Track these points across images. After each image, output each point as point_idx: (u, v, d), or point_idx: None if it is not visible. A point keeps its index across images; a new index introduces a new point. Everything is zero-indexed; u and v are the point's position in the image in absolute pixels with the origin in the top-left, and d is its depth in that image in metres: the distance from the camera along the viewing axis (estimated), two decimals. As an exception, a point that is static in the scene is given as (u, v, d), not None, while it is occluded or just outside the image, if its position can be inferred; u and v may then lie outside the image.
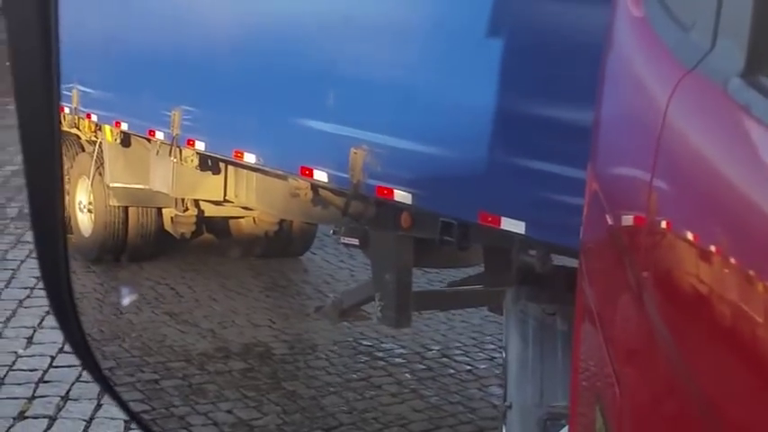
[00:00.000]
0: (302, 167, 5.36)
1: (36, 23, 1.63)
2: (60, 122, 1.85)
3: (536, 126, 3.95)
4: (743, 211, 0.93)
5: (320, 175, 5.21)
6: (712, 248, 0.99)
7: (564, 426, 2.61)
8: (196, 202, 7.99)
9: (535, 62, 3.96)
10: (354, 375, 6.41)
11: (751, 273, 0.87)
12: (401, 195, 4.61)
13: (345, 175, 4.90)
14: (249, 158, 5.96)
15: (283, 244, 8.94)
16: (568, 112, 3.68)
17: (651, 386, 1.17)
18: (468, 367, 6.66)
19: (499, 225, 4.02)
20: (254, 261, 9.29)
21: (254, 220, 8.69)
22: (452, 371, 6.56)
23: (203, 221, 8.48)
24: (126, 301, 7.75)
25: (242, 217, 8.65)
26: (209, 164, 7.16)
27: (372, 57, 4.87)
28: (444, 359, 6.80)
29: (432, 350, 6.97)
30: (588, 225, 1.84)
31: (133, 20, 7.34)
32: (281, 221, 8.38)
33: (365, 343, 7.09)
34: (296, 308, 7.91)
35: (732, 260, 0.93)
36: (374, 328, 7.37)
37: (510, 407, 3.80)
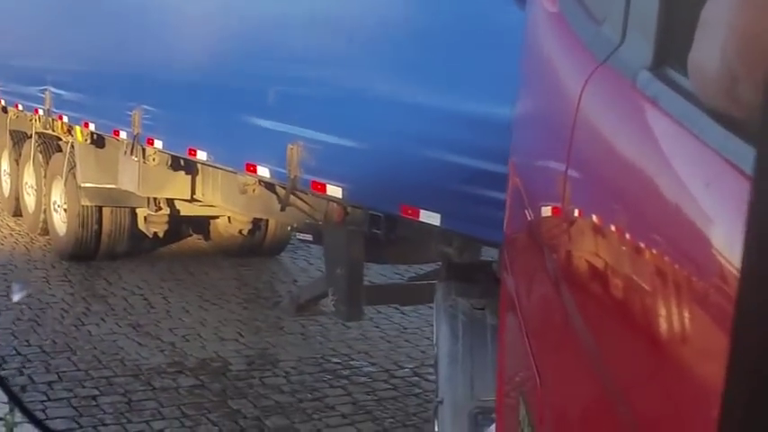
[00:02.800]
0: (247, 164, 5.64)
1: None
2: None
3: (449, 120, 4.01)
4: (653, 201, 0.95)
5: (263, 171, 5.49)
6: (625, 239, 1.02)
7: (494, 419, 2.49)
8: (169, 202, 8.18)
9: (452, 57, 4.03)
10: (309, 395, 6.13)
11: (663, 260, 0.90)
12: (332, 189, 4.83)
13: (284, 171, 5.14)
14: (201, 156, 6.28)
15: (258, 243, 9.16)
16: (481, 106, 3.76)
17: (569, 375, 1.21)
18: (438, 388, 6.32)
19: (418, 217, 4.17)
20: (242, 270, 9.14)
21: (229, 220, 8.82)
22: (419, 391, 6.23)
23: (180, 221, 8.70)
24: (90, 310, 7.57)
25: (217, 216, 8.77)
26: (180, 163, 7.34)
27: (305, 54, 5.08)
28: (415, 378, 6.48)
29: (404, 368, 6.66)
30: (509, 219, 1.90)
31: (99, 24, 7.70)
32: (256, 220, 8.47)
33: (333, 360, 6.82)
34: (272, 321, 7.67)
35: (644, 249, 0.95)
36: (348, 343, 7.14)
37: (441, 402, 3.81)
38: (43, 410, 5.57)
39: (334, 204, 5.25)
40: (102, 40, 7.67)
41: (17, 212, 10.19)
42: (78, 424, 5.51)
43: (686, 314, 0.85)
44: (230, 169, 6.38)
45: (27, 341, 6.76)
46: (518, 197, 1.73)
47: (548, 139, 1.51)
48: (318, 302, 5.98)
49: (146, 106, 7.00)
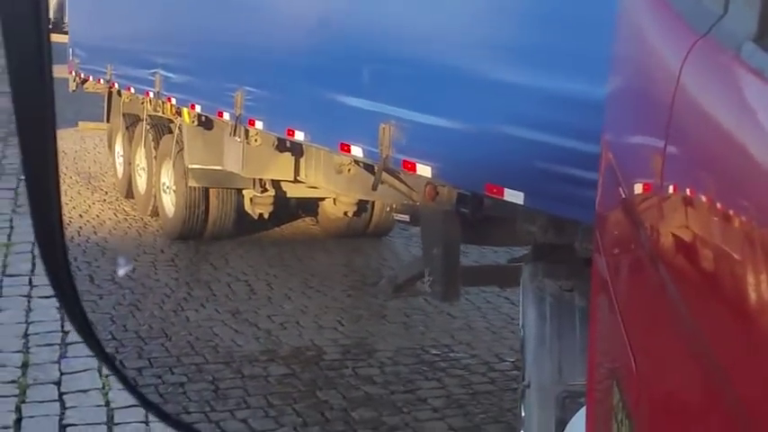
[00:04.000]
0: (341, 143, 5.72)
1: (29, 18, 1.61)
2: (54, 111, 1.75)
3: (535, 99, 4.01)
4: (756, 177, 0.93)
5: (356, 151, 5.54)
6: (726, 216, 0.99)
7: (583, 404, 2.47)
8: (275, 183, 8.31)
9: (545, 37, 3.99)
10: (401, 387, 5.92)
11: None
12: (422, 168, 4.87)
13: (376, 150, 5.19)
14: (299, 136, 6.37)
15: (365, 224, 9.27)
16: (568, 85, 3.76)
17: (667, 359, 1.19)
18: (540, 383, 6.01)
19: (503, 196, 4.17)
20: (352, 256, 9.04)
21: (334, 201, 8.86)
22: (517, 386, 5.92)
23: (287, 203, 8.84)
24: (192, 296, 7.57)
25: (323, 198, 8.84)
26: (286, 144, 7.35)
27: (398, 33, 5.14)
28: (514, 372, 6.16)
29: (505, 361, 6.38)
30: (602, 197, 1.87)
31: (204, 7, 7.96)
32: (362, 202, 8.46)
33: (432, 351, 6.60)
34: (375, 309, 7.50)
35: (748, 228, 0.93)
36: (451, 333, 6.91)
37: (528, 385, 3.78)
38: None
39: (428, 184, 5.23)
40: (207, 22, 7.87)
41: (129, 194, 10.51)
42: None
43: None
44: (326, 149, 6.46)
45: (124, 326, 6.79)
46: (612, 175, 1.70)
47: (645, 115, 1.48)
48: (416, 283, 5.87)
49: (247, 87, 7.08)
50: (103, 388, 5.52)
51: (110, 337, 6.55)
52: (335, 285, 8.08)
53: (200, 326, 6.90)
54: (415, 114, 4.93)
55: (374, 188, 5.63)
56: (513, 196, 4.11)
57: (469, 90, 4.47)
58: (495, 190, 4.23)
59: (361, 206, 8.87)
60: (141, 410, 5.02)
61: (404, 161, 5.02)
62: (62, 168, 12.17)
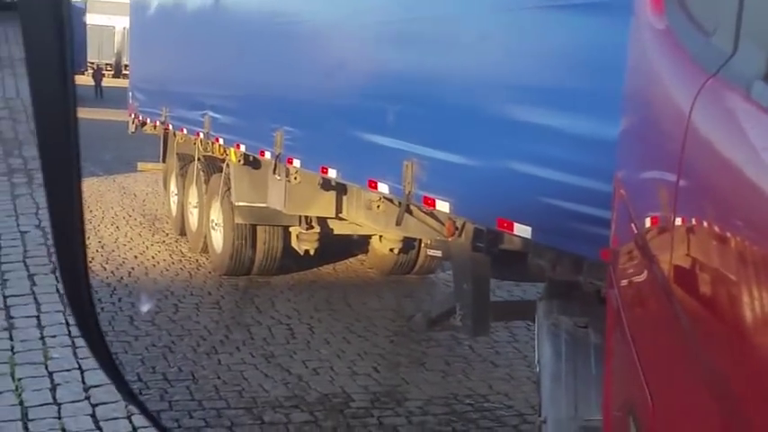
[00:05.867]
0: (369, 180, 5.97)
1: (52, 38, 1.64)
2: (77, 129, 1.78)
3: (547, 137, 4.12)
4: None
5: (382, 187, 5.78)
6: (740, 252, 1.01)
7: None
8: (321, 220, 8.48)
9: (562, 79, 4.10)
10: (424, 438, 5.71)
11: None
12: (441, 204, 5.06)
13: (400, 187, 5.42)
14: (332, 173, 6.61)
15: (411, 261, 9.46)
16: (580, 124, 3.86)
17: (683, 394, 1.19)
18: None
19: (513, 230, 4.30)
20: (404, 301, 8.89)
21: (380, 239, 8.93)
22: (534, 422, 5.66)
23: (333, 240, 8.91)
24: (229, 339, 7.50)
25: (369, 236, 8.98)
26: (331, 183, 7.45)
27: (419, 75, 5.39)
28: (550, 425, 5.90)
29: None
30: (616, 234, 1.92)
31: (247, 53, 8.37)
32: (407, 239, 8.51)
33: (466, 401, 6.37)
34: (415, 356, 7.31)
35: (761, 263, 0.95)
36: (489, 383, 6.68)
37: (545, 421, 3.84)
38: (142, 440, 5.48)
39: (449, 219, 5.45)
40: (250, 66, 8.26)
41: (183, 232, 10.89)
42: (171, 456, 5.37)
43: None
44: (356, 185, 6.73)
45: (153, 368, 6.75)
46: (624, 211, 1.75)
47: (657, 153, 1.53)
48: (449, 318, 5.98)
49: (286, 127, 7.36)
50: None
51: (135, 378, 6.51)
52: (379, 331, 7.92)
53: (230, 369, 6.81)
54: (434, 152, 5.11)
55: (398, 223, 5.89)
56: (522, 231, 4.23)
57: (483, 128, 4.64)
58: (505, 224, 4.35)
59: (407, 243, 8.91)
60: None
61: (424, 197, 5.19)
62: (129, 210, 12.43)
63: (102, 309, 8.02)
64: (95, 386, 5.98)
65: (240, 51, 8.47)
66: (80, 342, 6.36)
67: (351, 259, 10.34)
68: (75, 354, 6.59)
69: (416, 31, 5.50)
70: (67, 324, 7.00)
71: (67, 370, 6.35)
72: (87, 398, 5.91)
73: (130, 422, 5.56)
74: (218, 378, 6.63)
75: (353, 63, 6.38)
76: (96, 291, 8.57)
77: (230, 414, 6.00)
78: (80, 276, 1.89)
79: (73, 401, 5.86)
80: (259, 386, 6.50)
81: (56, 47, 1.62)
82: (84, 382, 6.11)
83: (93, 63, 43.46)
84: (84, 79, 39.79)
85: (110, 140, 17.04)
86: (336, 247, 9.51)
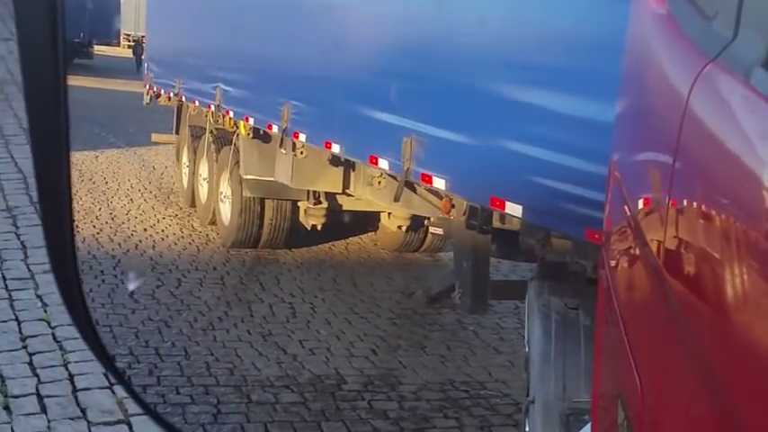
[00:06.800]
0: (371, 156, 5.99)
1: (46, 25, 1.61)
2: (67, 98, 1.73)
3: (542, 117, 4.14)
4: (763, 198, 0.95)
5: (383, 163, 5.81)
6: (733, 236, 1.02)
7: (587, 421, 2.53)
8: (329, 196, 8.46)
9: (561, 59, 4.11)
10: (414, 424, 5.58)
11: None
12: (437, 181, 5.10)
13: (399, 163, 5.44)
14: (335, 148, 6.62)
15: (419, 240, 9.44)
16: (576, 105, 3.88)
17: (672, 377, 1.20)
18: None
19: (504, 209, 4.37)
20: (412, 284, 8.74)
21: (389, 216, 8.86)
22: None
23: (342, 215, 8.91)
24: (228, 315, 7.41)
25: (377, 212, 8.87)
26: (340, 158, 7.45)
27: (422, 51, 5.46)
28: (545, 416, 5.74)
29: (539, 403, 5.93)
30: (609, 215, 1.93)
31: (257, 25, 8.40)
32: (414, 216, 8.41)
33: (462, 387, 6.22)
34: (416, 339, 7.17)
35: (754, 250, 0.96)
36: (489, 370, 6.55)
37: (533, 402, 3.87)
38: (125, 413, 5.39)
39: (445, 197, 5.55)
40: (259, 39, 8.28)
41: (193, 204, 10.92)
42: (151, 432, 5.27)
43: None
44: (358, 161, 6.79)
45: (146, 342, 6.66)
46: (618, 194, 1.76)
47: (654, 136, 1.54)
48: (449, 295, 5.98)
49: (293, 101, 7.33)
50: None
51: (127, 351, 6.43)
52: (383, 312, 7.79)
53: (224, 347, 6.71)
54: (432, 129, 5.17)
55: (396, 199, 5.94)
56: (514, 209, 4.29)
57: (480, 107, 4.67)
58: (498, 203, 4.41)
59: (416, 221, 8.83)
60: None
61: (422, 174, 5.24)
62: (145, 183, 12.39)
63: (104, 281, 7.97)
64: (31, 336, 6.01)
65: (250, 24, 8.46)
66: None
67: (364, 239, 10.23)
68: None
69: (419, 8, 5.50)
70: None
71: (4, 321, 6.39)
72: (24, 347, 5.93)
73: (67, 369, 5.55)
74: (211, 355, 6.53)
75: (357, 38, 6.41)
76: (100, 263, 8.53)
77: (218, 392, 5.90)
78: (67, 248, 1.85)
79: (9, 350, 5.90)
80: (251, 364, 6.40)
81: (47, 17, 1.58)
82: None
83: (128, 35, 43.53)
84: (119, 51, 39.94)
85: (137, 112, 17.00)
86: (349, 224, 9.46)
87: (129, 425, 5.13)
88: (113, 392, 5.39)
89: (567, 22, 4.11)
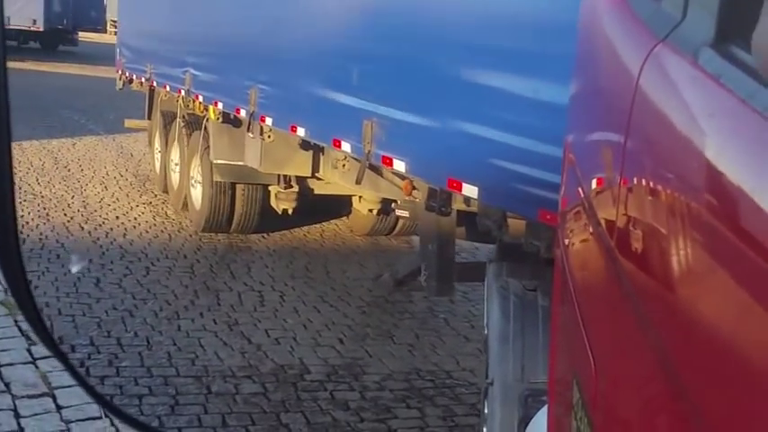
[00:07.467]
0: (334, 139, 6.02)
1: None
2: (6, 85, 1.72)
3: (498, 99, 4.17)
4: (713, 179, 0.96)
5: (345, 146, 5.82)
6: (685, 216, 1.03)
7: (545, 402, 2.48)
8: (300, 180, 8.43)
9: (516, 41, 4.12)
10: (375, 415, 5.50)
11: (726, 240, 0.90)
12: (397, 164, 5.13)
13: (361, 145, 5.45)
14: (300, 132, 6.61)
15: (391, 223, 9.46)
16: (531, 87, 3.92)
17: (625, 358, 1.22)
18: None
19: (461, 190, 4.39)
20: (386, 270, 8.64)
21: (359, 199, 8.79)
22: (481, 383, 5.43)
23: (313, 200, 8.83)
24: (195, 304, 7.32)
25: (348, 196, 8.80)
26: (309, 142, 7.37)
27: (380, 32, 5.46)
28: (510, 406, 5.66)
29: (505, 393, 5.85)
30: (564, 196, 1.95)
31: (225, 9, 8.38)
32: (384, 200, 8.30)
33: (428, 377, 6.14)
34: (384, 329, 7.09)
35: (705, 227, 0.96)
36: (457, 359, 6.49)
37: (491, 383, 3.93)
38: (80, 405, 5.30)
39: (406, 179, 5.62)
40: (226, 23, 8.26)
41: (165, 189, 10.86)
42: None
43: (755, 296, 0.82)
44: (323, 144, 6.78)
45: (108, 332, 6.57)
46: (573, 175, 1.78)
47: (605, 117, 1.56)
48: (416, 278, 5.98)
49: (260, 85, 7.29)
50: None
51: (87, 342, 6.34)
52: (353, 301, 7.71)
53: (188, 336, 6.62)
54: (392, 111, 5.17)
55: (358, 182, 6.03)
56: (470, 191, 4.32)
57: (438, 89, 4.69)
58: (455, 184, 4.42)
59: (387, 205, 8.73)
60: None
61: (383, 156, 5.26)
62: (121, 170, 12.25)
63: (70, 270, 7.86)
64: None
65: (218, 7, 8.43)
66: None
67: (339, 225, 10.14)
68: None
69: None
70: None
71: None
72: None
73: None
74: (174, 345, 6.44)
75: (318, 21, 6.39)
76: (68, 252, 8.42)
77: (177, 382, 5.81)
78: (9, 231, 1.85)
79: None
80: (214, 354, 6.31)
81: None
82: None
83: (115, 21, 43.32)
84: (106, 38, 39.74)
85: (118, 98, 16.86)
86: (322, 209, 9.47)
87: (54, 397, 5.11)
88: (36, 367, 5.43)
89: (525, 5, 4.14)
